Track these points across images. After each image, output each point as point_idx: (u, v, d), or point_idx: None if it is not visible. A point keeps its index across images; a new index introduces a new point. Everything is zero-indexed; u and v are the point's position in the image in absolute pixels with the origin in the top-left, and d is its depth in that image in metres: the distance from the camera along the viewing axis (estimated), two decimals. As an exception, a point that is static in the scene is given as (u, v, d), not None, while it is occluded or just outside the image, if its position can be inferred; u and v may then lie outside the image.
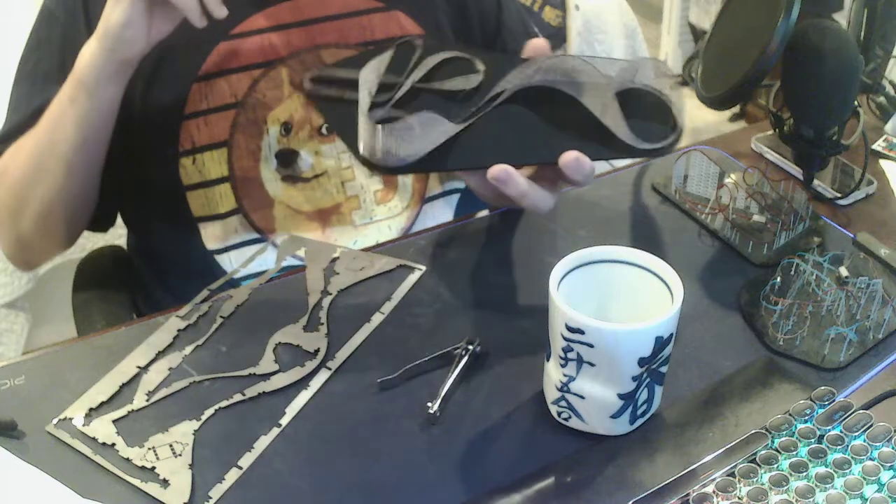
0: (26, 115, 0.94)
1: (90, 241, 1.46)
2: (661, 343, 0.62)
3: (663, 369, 0.66)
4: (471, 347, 0.74)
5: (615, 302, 0.69)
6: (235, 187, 0.97)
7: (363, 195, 1.00)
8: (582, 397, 0.65)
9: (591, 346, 0.62)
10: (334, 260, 0.86)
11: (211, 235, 0.98)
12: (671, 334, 0.63)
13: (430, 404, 0.69)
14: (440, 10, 1.04)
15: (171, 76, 0.94)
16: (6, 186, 0.95)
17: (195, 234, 0.98)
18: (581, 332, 0.62)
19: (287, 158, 0.98)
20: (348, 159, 1.00)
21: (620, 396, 0.64)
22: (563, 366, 0.65)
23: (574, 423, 0.67)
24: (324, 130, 0.98)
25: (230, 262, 0.96)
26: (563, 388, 0.66)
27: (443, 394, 0.70)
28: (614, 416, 0.66)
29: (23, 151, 0.93)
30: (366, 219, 1.00)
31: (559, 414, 0.68)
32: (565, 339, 0.63)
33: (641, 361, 0.63)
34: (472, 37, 1.08)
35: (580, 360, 0.63)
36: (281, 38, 0.96)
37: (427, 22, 1.02)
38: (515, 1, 1.19)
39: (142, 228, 1.07)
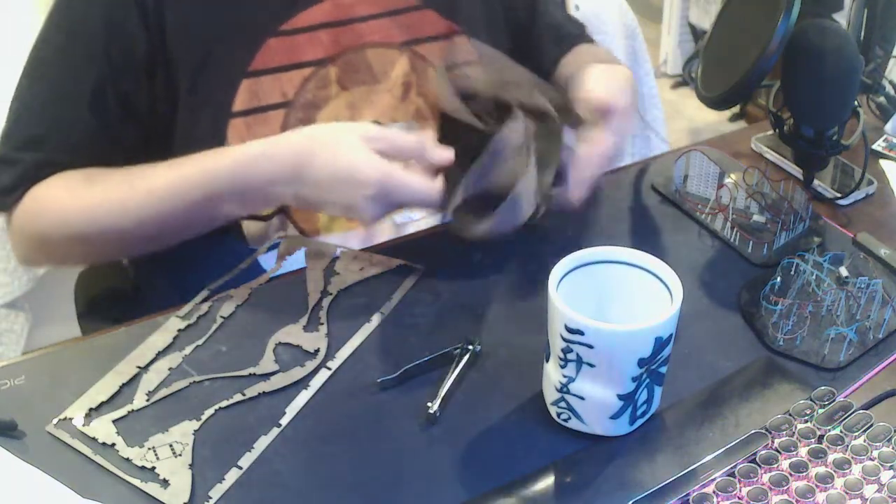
0: (75, 111, 0.88)
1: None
2: (660, 344, 0.62)
3: (663, 370, 0.66)
4: (471, 347, 0.74)
5: (614, 303, 0.69)
6: None
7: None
8: (581, 398, 0.65)
9: (590, 346, 0.62)
10: (334, 260, 0.86)
11: (254, 234, 0.95)
12: (670, 335, 0.63)
13: (430, 404, 0.69)
14: (464, 6, 1.03)
15: (219, 71, 0.91)
16: (55, 222, 0.88)
17: (237, 233, 0.95)
18: (580, 332, 0.62)
19: None
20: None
21: (620, 397, 0.64)
22: (562, 367, 0.65)
23: (573, 423, 0.67)
24: None
25: (271, 263, 0.93)
26: (563, 388, 0.66)
27: (442, 394, 0.70)
28: (614, 417, 0.66)
29: (99, 200, 0.86)
30: (406, 218, 1.00)
31: (559, 415, 0.68)
32: (565, 339, 0.63)
33: (641, 362, 0.63)
34: (504, 29, 1.07)
35: (580, 361, 0.63)
36: (329, 36, 0.95)
37: (456, 19, 1.01)
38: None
39: None
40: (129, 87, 0.90)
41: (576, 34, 1.14)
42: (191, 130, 0.92)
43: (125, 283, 1.09)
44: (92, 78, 0.87)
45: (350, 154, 0.78)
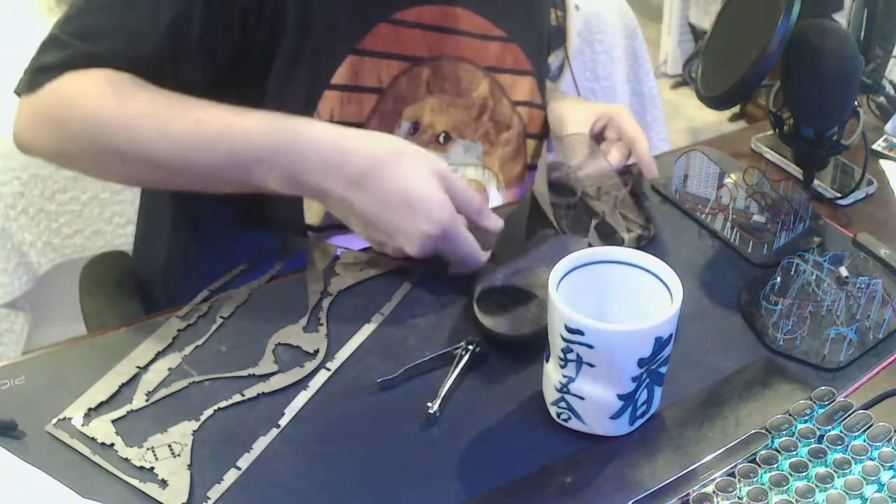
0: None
1: (90, 242, 1.46)
2: (660, 344, 0.62)
3: (663, 370, 0.66)
4: (471, 348, 0.74)
5: (614, 303, 0.69)
6: None
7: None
8: (581, 398, 0.65)
9: (590, 346, 0.62)
10: (334, 260, 0.86)
11: (314, 213, 0.93)
12: (670, 335, 0.63)
13: (430, 404, 0.69)
14: (543, 48, 1.07)
15: (328, 42, 0.89)
16: (86, 118, 0.79)
17: (298, 206, 0.92)
18: (581, 332, 0.62)
19: None
20: (458, 172, 0.99)
21: (620, 397, 0.64)
22: (562, 367, 0.65)
23: (573, 423, 0.67)
24: (441, 139, 0.98)
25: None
26: (563, 388, 0.66)
27: (442, 394, 0.70)
28: (614, 417, 0.66)
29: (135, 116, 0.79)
30: None
31: (559, 415, 0.68)
32: (565, 339, 0.63)
33: (641, 362, 0.63)
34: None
35: (580, 361, 0.63)
36: (433, 38, 0.95)
37: (533, 59, 1.03)
38: None
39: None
40: (215, 33, 0.83)
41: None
42: (282, 93, 0.88)
43: (130, 277, 1.09)
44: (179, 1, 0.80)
45: (426, 186, 0.77)
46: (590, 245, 0.83)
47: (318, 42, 0.88)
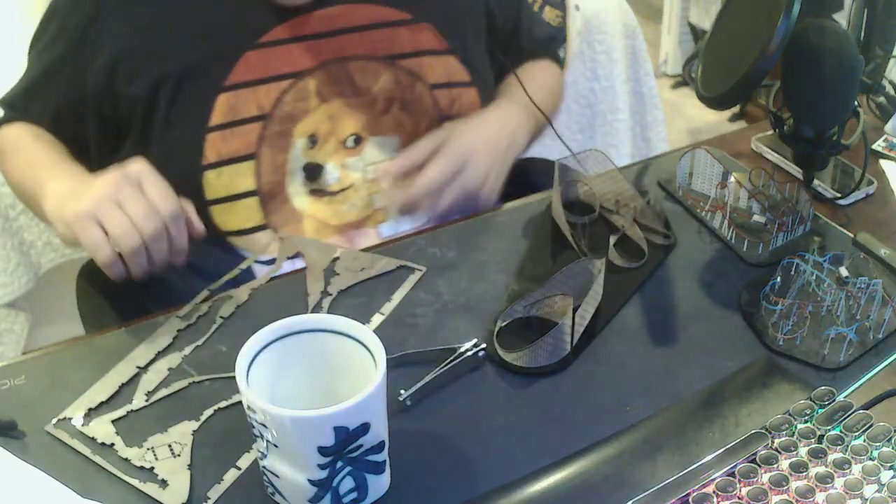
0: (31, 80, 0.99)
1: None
2: (347, 434, 0.57)
3: (376, 457, 0.60)
4: (475, 349, 0.74)
5: (339, 376, 0.63)
6: (263, 202, 0.95)
7: (390, 208, 0.99)
8: (277, 476, 0.61)
9: (265, 426, 0.57)
10: (334, 260, 0.86)
11: (247, 247, 0.96)
12: (364, 424, 0.57)
13: (402, 392, 0.69)
14: (467, 23, 1.03)
15: (197, 87, 0.92)
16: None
17: (226, 245, 0.96)
18: (253, 410, 0.57)
19: (313, 172, 0.96)
20: (373, 173, 0.99)
21: (312, 483, 0.59)
22: (256, 439, 0.60)
23: (279, 499, 0.63)
24: (349, 143, 0.97)
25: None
26: (262, 463, 0.62)
27: (419, 385, 0.70)
28: (313, 501, 0.60)
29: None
30: (392, 230, 0.99)
31: (266, 488, 0.64)
32: (247, 413, 0.59)
33: (324, 450, 0.57)
34: (496, 43, 1.08)
35: (265, 439, 0.59)
36: (309, 48, 0.95)
37: (453, 36, 1.02)
38: None
39: None
40: (81, 113, 0.97)
41: (538, 50, 1.17)
42: (169, 142, 0.93)
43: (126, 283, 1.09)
44: (65, 70, 0.95)
45: (96, 183, 0.81)
46: (609, 263, 0.83)
47: (189, 90, 0.92)
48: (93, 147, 0.99)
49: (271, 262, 0.92)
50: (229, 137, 0.93)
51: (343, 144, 0.97)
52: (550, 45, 1.22)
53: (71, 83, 0.96)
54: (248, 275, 0.89)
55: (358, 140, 0.98)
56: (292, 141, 0.95)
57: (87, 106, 0.96)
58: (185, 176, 0.93)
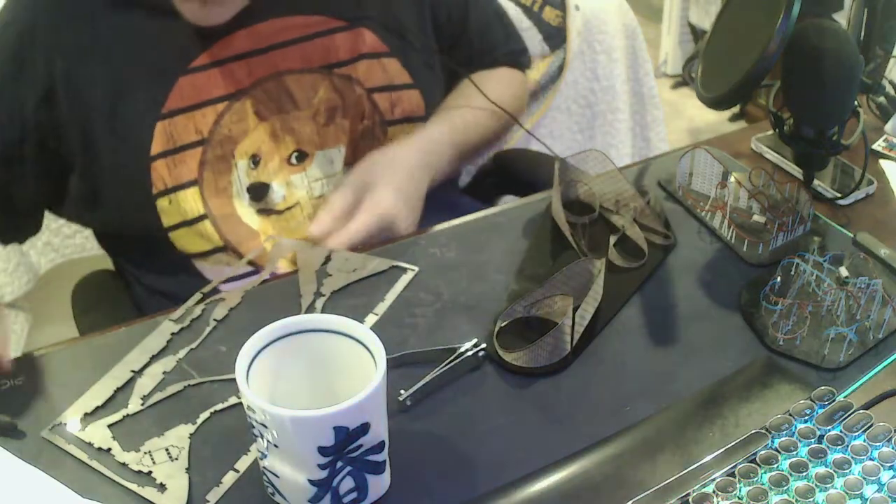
0: None
1: (90, 242, 1.46)
2: (347, 434, 0.57)
3: (376, 457, 0.60)
4: (475, 349, 0.74)
5: (339, 375, 0.63)
6: (216, 225, 0.95)
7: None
8: (277, 476, 0.61)
9: (265, 426, 0.57)
10: (327, 261, 0.86)
11: (210, 270, 0.96)
12: (364, 424, 0.57)
13: (402, 392, 0.69)
14: (405, 24, 1.02)
15: (133, 116, 0.91)
16: None
17: (191, 269, 0.96)
18: (253, 410, 0.57)
19: (258, 192, 0.96)
20: (320, 188, 0.98)
21: (312, 483, 0.59)
22: (257, 439, 0.60)
23: (279, 499, 0.63)
24: (293, 160, 0.96)
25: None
26: (262, 462, 0.62)
27: (419, 385, 0.70)
28: (313, 501, 0.60)
29: None
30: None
31: (266, 488, 0.64)
32: (247, 413, 0.59)
33: (325, 451, 0.57)
34: (440, 41, 1.07)
35: (265, 439, 0.59)
36: (240, 68, 0.93)
37: (392, 38, 1.00)
38: (495, 2, 1.18)
39: (131, 268, 1.04)
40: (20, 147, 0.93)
41: (497, 55, 1.15)
42: (114, 173, 0.93)
43: (120, 291, 1.09)
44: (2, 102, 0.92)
45: None
46: (609, 263, 0.83)
47: (126, 120, 0.91)
48: (32, 194, 0.98)
49: (237, 279, 0.92)
50: (171, 165, 0.92)
51: (287, 162, 0.96)
52: (512, 49, 1.19)
53: (9, 118, 0.92)
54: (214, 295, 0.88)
55: (302, 156, 0.97)
56: (234, 163, 0.94)
57: (25, 142, 0.93)
58: (137, 206, 0.93)
